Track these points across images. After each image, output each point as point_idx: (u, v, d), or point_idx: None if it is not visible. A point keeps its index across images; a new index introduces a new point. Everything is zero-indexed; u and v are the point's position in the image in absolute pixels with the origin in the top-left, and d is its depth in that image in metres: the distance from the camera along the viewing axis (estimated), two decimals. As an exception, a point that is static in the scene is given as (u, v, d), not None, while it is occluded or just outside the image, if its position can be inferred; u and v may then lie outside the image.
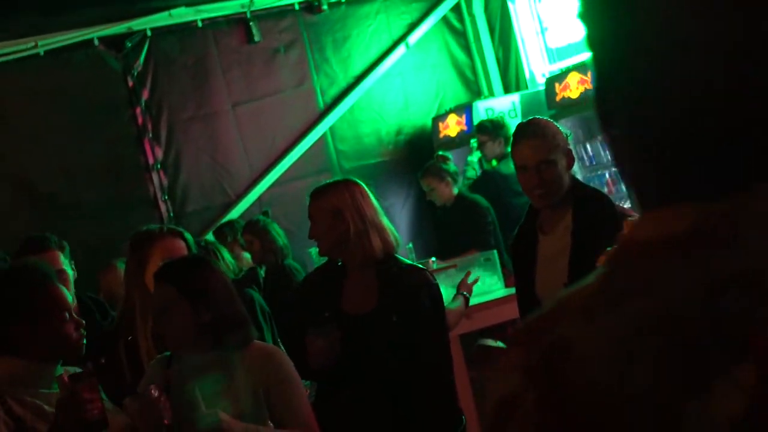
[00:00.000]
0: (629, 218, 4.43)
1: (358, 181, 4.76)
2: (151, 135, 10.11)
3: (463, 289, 5.93)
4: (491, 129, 9.45)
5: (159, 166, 10.11)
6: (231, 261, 6.13)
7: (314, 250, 6.98)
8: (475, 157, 10.16)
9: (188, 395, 3.79)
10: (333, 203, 4.58)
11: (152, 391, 3.72)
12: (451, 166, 9.24)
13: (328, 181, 4.80)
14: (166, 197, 10.05)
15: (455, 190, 9.07)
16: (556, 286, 4.39)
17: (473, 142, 10.11)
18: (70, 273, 5.12)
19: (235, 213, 9.99)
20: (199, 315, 3.85)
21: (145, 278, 4.52)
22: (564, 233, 4.45)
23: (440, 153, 9.65)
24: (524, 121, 4.74)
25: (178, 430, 3.85)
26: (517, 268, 4.82)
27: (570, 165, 4.48)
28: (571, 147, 9.83)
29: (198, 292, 3.88)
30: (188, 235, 4.77)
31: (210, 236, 8.86)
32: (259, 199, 10.42)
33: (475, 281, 6.03)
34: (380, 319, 4.46)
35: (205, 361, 3.93)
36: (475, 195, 9.09)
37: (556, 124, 4.59)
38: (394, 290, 4.51)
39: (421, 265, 4.88)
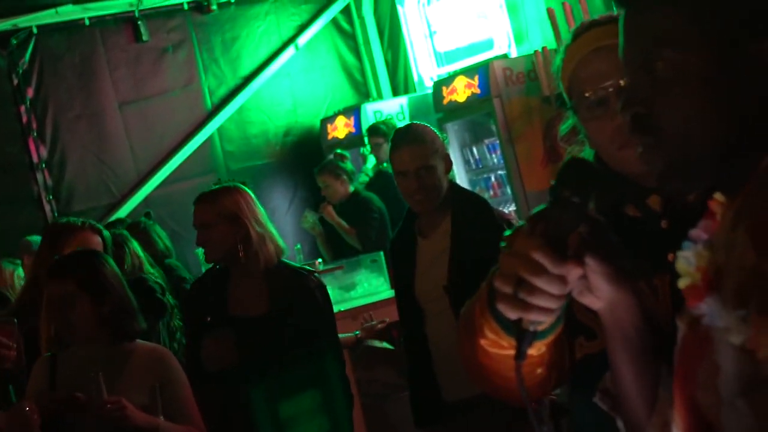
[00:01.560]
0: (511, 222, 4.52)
1: (245, 187, 4.74)
2: (35, 133, 9.98)
3: (364, 334, 5.96)
4: (385, 131, 9.53)
5: (44, 165, 9.98)
6: (142, 254, 6.13)
7: (201, 251, 6.97)
8: (370, 164, 10.24)
9: (86, 386, 3.81)
10: (229, 207, 4.52)
11: (25, 408, 3.73)
12: (348, 165, 9.29)
13: (214, 187, 4.74)
14: (51, 197, 9.92)
15: (351, 188, 9.12)
16: (436, 288, 4.47)
17: (365, 150, 10.19)
18: None
19: (121, 213, 9.88)
20: (99, 307, 3.91)
21: None
22: (443, 237, 4.51)
23: (338, 151, 9.69)
24: (402, 126, 4.79)
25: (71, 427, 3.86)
26: (397, 271, 4.87)
27: (448, 169, 4.53)
28: (458, 150, 10.04)
29: (96, 285, 3.93)
30: (107, 233, 4.77)
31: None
32: (146, 199, 10.33)
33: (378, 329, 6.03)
34: (275, 321, 4.46)
35: (97, 355, 3.95)
36: (370, 193, 9.16)
37: (433, 129, 4.64)
38: (287, 293, 4.51)
39: (309, 267, 4.88)
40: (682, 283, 1.54)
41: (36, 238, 8.43)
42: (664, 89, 1.52)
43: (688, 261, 1.54)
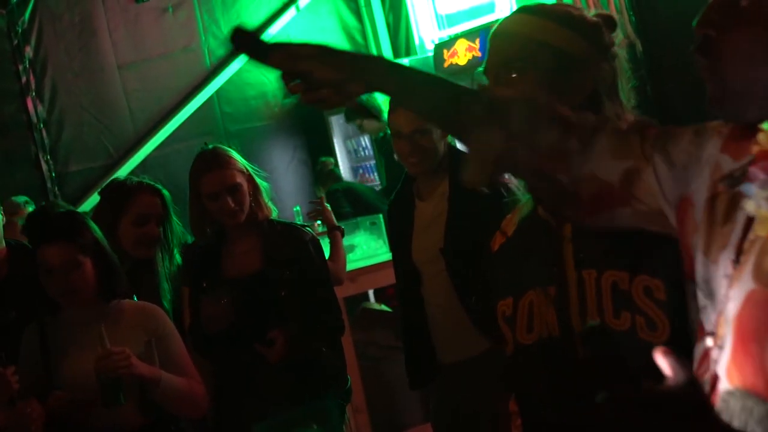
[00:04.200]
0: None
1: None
2: (34, 93, 9.92)
3: (330, 223, 5.99)
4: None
5: (42, 124, 9.91)
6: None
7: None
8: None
9: (86, 341, 3.84)
10: (241, 164, 4.57)
11: (25, 408, 3.74)
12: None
13: (207, 148, 4.69)
14: (48, 156, 9.88)
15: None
16: (433, 251, 4.46)
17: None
18: None
19: (119, 174, 9.79)
20: (98, 268, 3.93)
21: (118, 231, 4.57)
22: (440, 199, 4.50)
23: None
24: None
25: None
26: (394, 233, 4.86)
27: (445, 133, 4.52)
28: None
29: (95, 246, 3.95)
30: (165, 192, 4.76)
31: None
32: (144, 160, 10.29)
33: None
34: (270, 277, 4.46)
35: (86, 316, 3.95)
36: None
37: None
38: (280, 247, 4.53)
39: (309, 228, 4.85)
40: (762, 229, 1.44)
41: (21, 198, 8.39)
42: None
43: (759, 204, 1.45)
